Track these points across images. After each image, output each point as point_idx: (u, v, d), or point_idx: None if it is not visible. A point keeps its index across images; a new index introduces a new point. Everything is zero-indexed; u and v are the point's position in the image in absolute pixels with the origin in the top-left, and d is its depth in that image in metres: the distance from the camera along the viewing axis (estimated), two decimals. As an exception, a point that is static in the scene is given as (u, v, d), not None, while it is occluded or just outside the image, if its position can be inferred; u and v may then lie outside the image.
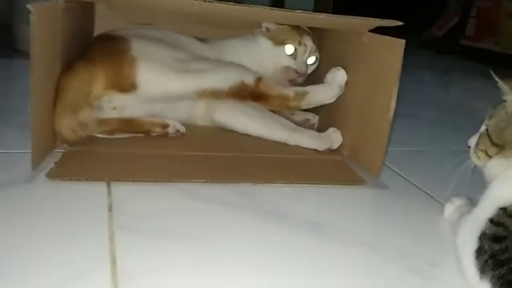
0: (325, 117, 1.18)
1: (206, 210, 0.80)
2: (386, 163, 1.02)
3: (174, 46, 1.09)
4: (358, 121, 1.05)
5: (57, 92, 0.94)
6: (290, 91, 1.10)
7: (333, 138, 1.09)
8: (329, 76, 1.11)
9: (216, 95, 1.05)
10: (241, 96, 1.07)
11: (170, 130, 1.07)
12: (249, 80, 1.07)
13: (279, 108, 1.13)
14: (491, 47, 2.55)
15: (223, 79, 1.06)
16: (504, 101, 0.71)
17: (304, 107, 1.13)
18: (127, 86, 1.00)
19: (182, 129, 1.08)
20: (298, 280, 0.63)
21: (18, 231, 0.68)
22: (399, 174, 1.01)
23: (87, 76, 0.97)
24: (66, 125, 0.93)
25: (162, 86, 1.03)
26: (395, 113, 0.93)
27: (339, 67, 1.10)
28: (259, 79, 1.08)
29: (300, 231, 0.76)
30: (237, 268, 0.65)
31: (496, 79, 0.70)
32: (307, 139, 1.09)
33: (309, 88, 1.11)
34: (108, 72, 0.99)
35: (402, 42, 0.91)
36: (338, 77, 1.09)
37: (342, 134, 1.09)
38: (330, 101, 1.11)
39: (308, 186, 0.92)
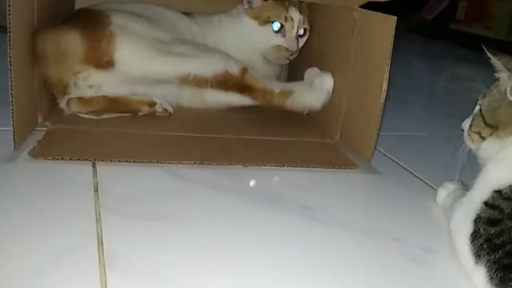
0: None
1: (195, 192, 0.78)
2: (377, 148, 1.00)
3: (157, 26, 1.06)
4: (349, 104, 1.03)
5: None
6: (276, 87, 1.06)
7: (326, 83, 1.07)
8: (317, 81, 1.08)
9: (199, 82, 1.02)
10: (226, 86, 1.03)
11: (158, 108, 1.04)
12: (234, 69, 1.03)
13: (263, 102, 1.07)
14: (482, 32, 2.52)
15: (206, 66, 1.02)
16: (497, 79, 0.68)
17: (289, 107, 1.08)
18: (103, 62, 0.96)
19: (170, 108, 1.06)
20: (288, 264, 0.62)
21: (0, 211, 0.66)
22: (391, 159, 1.00)
23: (70, 41, 0.95)
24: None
25: (141, 66, 0.99)
26: (386, 97, 0.91)
27: (327, 72, 1.07)
28: (244, 70, 1.04)
29: (290, 214, 0.74)
30: (225, 251, 0.63)
31: (489, 55, 0.67)
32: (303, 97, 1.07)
33: (296, 87, 1.07)
34: (86, 45, 0.95)
35: (393, 18, 0.89)
36: (326, 82, 1.07)
37: (334, 117, 1.07)
38: (317, 107, 1.08)
39: (299, 169, 0.90)
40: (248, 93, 1.05)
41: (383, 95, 0.91)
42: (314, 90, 1.08)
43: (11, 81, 0.78)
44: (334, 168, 0.92)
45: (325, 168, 0.91)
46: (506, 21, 2.51)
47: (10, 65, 0.78)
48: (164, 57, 1.00)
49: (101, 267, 0.56)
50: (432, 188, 0.87)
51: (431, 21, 2.99)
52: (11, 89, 0.78)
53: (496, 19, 2.56)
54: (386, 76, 0.90)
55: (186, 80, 1.02)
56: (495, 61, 0.66)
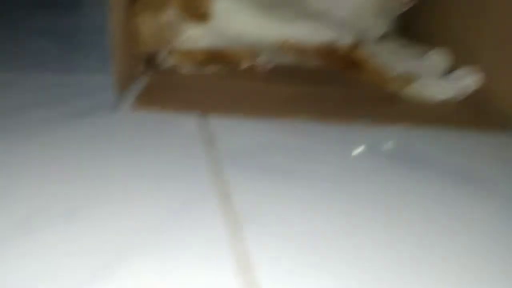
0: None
1: (317, 149, 0.67)
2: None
3: None
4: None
5: None
6: (393, 70, 0.87)
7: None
8: (459, 72, 0.87)
9: (299, 50, 0.91)
10: (330, 59, 0.91)
11: (260, 61, 0.95)
12: (343, 42, 0.90)
13: (373, 81, 0.88)
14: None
15: (311, 33, 0.91)
16: None
17: (408, 95, 0.85)
18: (199, 14, 0.90)
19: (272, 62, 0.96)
20: (436, 244, 0.50)
21: (106, 163, 0.59)
22: None
23: None
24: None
25: (238, 23, 0.91)
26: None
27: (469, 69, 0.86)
28: (355, 45, 0.90)
29: (439, 182, 0.61)
30: (358, 207, 0.52)
31: None
32: (426, 89, 0.88)
33: (420, 76, 0.87)
34: None
35: None
36: (467, 78, 0.86)
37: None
38: (442, 99, 0.86)
39: (437, 130, 0.75)
40: (356, 70, 0.90)
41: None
42: (442, 82, 0.88)
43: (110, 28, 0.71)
44: (479, 129, 0.76)
45: (467, 129, 0.75)
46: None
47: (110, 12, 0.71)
48: (264, 17, 0.92)
49: (230, 220, 0.49)
50: None
51: None
52: (111, 36, 0.72)
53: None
54: None
55: (284, 46, 0.92)
56: None
